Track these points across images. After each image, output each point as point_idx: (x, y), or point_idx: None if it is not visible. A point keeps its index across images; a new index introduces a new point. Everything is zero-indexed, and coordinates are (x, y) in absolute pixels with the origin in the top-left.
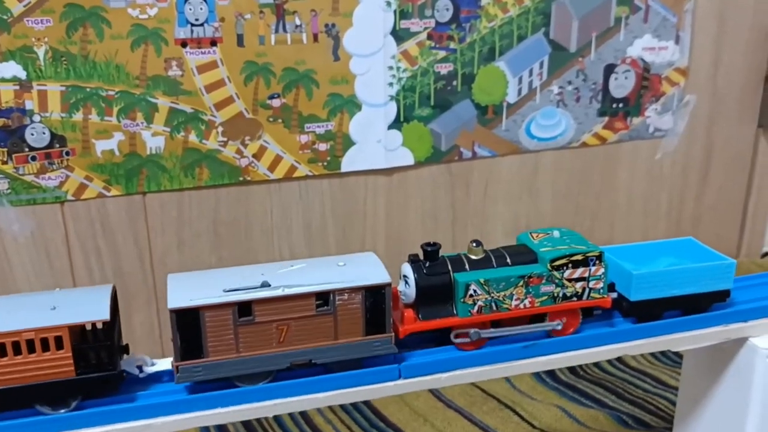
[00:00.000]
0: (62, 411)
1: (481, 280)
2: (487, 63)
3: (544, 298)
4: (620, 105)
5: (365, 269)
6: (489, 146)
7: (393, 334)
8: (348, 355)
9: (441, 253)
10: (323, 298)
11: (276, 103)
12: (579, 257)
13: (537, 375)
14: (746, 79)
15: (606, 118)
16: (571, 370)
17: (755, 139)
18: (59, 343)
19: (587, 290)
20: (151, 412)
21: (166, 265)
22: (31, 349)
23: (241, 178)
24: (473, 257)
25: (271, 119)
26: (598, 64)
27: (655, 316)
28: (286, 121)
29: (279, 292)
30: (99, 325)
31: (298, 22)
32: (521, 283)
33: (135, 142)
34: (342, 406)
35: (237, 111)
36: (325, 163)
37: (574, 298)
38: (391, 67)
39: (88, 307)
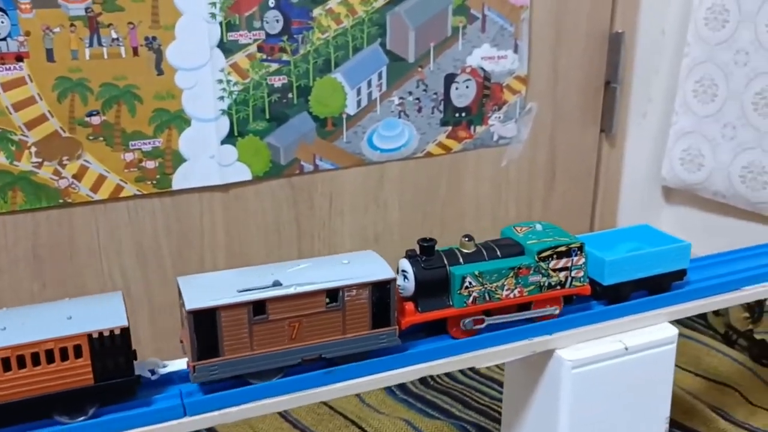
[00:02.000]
0: (80, 419)
1: (476, 273)
2: (323, 75)
3: (532, 287)
4: (463, 114)
5: (370, 266)
6: (331, 159)
7: (397, 326)
8: (356, 348)
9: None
10: (333, 294)
11: (95, 120)
12: (563, 248)
13: (387, 387)
14: (586, 85)
15: (449, 128)
16: (422, 380)
17: (598, 144)
18: (78, 352)
19: (569, 279)
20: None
21: None
22: (50, 359)
23: (61, 201)
24: (466, 251)
25: (91, 137)
26: (438, 74)
27: (624, 298)
28: (108, 139)
29: (291, 291)
30: (117, 332)
31: (114, 35)
32: (512, 274)
33: None
34: None
35: (52, 130)
36: (155, 182)
37: (558, 287)
38: (220, 81)
39: (105, 314)
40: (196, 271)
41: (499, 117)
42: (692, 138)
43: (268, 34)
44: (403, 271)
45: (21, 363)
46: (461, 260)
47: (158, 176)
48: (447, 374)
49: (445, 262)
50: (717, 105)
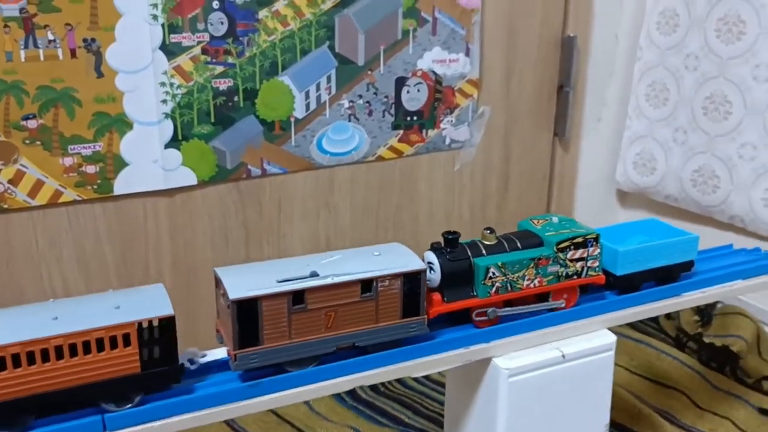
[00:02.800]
0: (127, 407)
1: (499, 263)
2: (270, 77)
3: (551, 277)
4: (414, 118)
5: (400, 257)
6: (279, 163)
7: (426, 315)
8: (388, 336)
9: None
10: (367, 284)
11: (32, 124)
12: (580, 239)
13: (337, 395)
14: (539, 89)
15: (401, 132)
16: (372, 387)
17: (552, 148)
18: (127, 340)
19: (585, 269)
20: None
21: None
22: (100, 347)
23: None
24: (488, 243)
25: (27, 141)
26: (388, 77)
27: (635, 288)
28: (46, 144)
29: (329, 281)
30: (163, 321)
31: (51, 36)
32: (532, 264)
33: None
34: None
35: None
36: (96, 187)
37: (575, 276)
38: (163, 84)
39: (150, 304)
40: (141, 277)
41: (452, 121)
42: (645, 142)
43: (212, 36)
44: (429, 262)
45: (73, 351)
46: (484, 252)
47: (99, 181)
48: (398, 380)
49: (469, 253)
50: (669, 109)
